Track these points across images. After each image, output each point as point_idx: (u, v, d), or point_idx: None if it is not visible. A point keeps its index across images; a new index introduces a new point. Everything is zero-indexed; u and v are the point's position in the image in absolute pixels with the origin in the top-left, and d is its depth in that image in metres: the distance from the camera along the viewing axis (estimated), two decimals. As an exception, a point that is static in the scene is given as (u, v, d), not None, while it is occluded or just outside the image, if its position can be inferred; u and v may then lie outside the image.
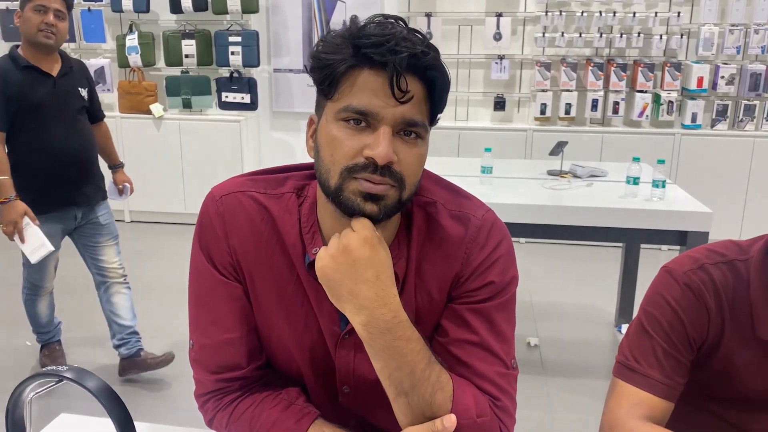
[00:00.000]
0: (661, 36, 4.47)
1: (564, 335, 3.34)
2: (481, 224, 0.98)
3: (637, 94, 4.56)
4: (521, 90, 4.80)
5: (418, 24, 4.67)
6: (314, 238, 0.97)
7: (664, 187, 2.68)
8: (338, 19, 4.79)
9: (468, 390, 0.91)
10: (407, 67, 0.84)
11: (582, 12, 4.50)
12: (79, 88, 2.73)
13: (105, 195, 2.89)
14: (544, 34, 4.56)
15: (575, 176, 3.07)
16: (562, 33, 4.54)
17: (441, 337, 0.97)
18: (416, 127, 0.88)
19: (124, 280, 2.88)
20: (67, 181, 2.68)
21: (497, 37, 4.61)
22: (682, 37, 4.49)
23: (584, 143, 4.50)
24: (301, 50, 4.92)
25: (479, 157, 3.15)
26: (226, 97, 4.87)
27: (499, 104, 4.76)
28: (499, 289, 0.97)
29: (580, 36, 4.52)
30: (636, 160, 2.82)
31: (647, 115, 4.58)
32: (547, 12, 4.54)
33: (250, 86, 4.84)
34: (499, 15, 4.59)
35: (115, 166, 3.09)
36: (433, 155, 4.16)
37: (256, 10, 4.69)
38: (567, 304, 3.74)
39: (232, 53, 4.76)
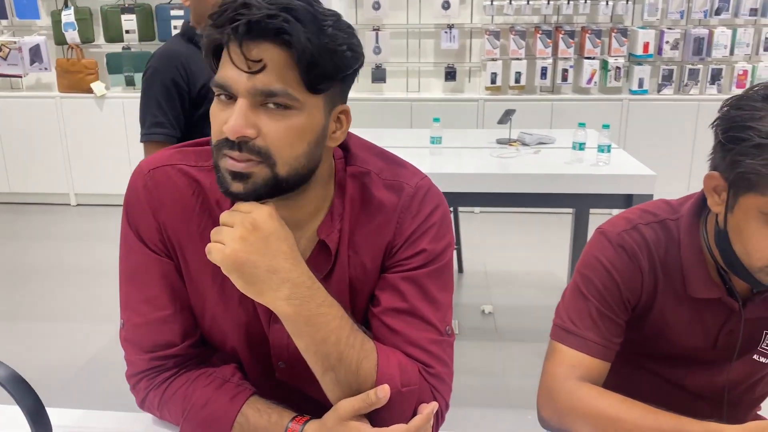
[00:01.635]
0: (607, 2, 4.49)
1: (518, 301, 3.39)
2: (414, 192, 0.97)
3: (585, 60, 4.59)
4: (471, 60, 4.78)
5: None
6: None
7: (609, 151, 2.71)
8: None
9: (393, 358, 0.90)
10: (256, 34, 0.80)
11: (529, -21, 4.49)
12: None
13: None
14: (492, 1, 4.53)
15: (523, 144, 3.08)
16: (510, 1, 4.52)
17: (375, 307, 0.96)
18: (276, 96, 0.82)
19: None
20: None
21: (445, 5, 4.57)
22: (627, 3, 4.52)
23: (535, 111, 4.53)
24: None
25: (431, 128, 3.13)
26: (171, 73, 4.72)
27: (450, 74, 4.73)
28: (433, 257, 0.96)
29: (528, 3, 4.51)
30: (581, 125, 2.84)
31: (596, 82, 4.63)
32: (494, -21, 4.51)
33: (195, 61, 4.70)
34: (446, -17, 4.54)
35: None
36: (386, 127, 4.14)
37: (197, -18, 4.54)
38: (520, 271, 3.79)
39: (176, 27, 4.60)
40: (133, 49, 4.75)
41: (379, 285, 0.97)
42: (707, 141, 0.98)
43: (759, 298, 1.05)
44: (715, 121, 0.95)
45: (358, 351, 0.88)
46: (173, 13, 4.59)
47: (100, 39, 4.81)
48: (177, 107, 2.06)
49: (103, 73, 4.80)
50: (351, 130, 0.97)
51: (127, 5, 4.66)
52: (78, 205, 5.03)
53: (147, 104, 2.08)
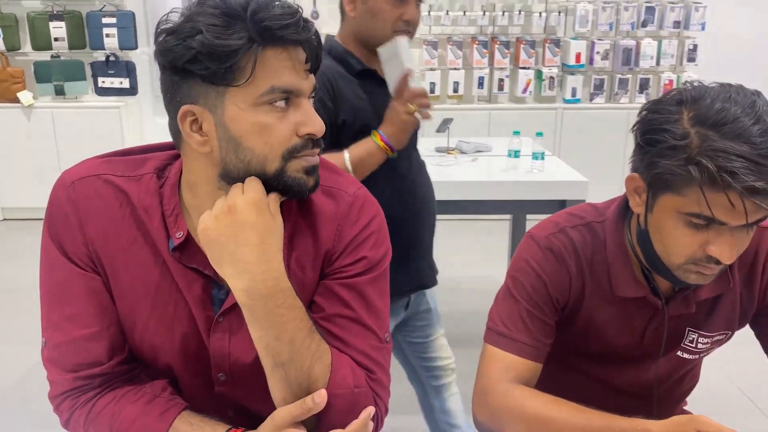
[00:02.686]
0: (540, 13, 4.63)
1: (461, 307, 3.43)
2: (353, 200, 0.98)
3: (521, 70, 4.71)
4: (411, 69, 4.83)
5: (303, 3, 4.58)
6: (177, 221, 0.93)
7: (543, 159, 2.78)
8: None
9: (346, 361, 0.92)
10: (301, 36, 0.85)
11: (465, -10, 4.58)
12: None
13: (436, 268, 1.99)
14: (429, 12, 4.60)
15: (462, 152, 3.13)
16: (447, 11, 4.60)
17: (315, 314, 0.96)
18: (315, 91, 0.91)
19: (453, 372, 2.12)
20: (420, 246, 1.85)
21: (384, 15, 4.60)
22: (560, 14, 4.67)
23: (473, 120, 4.61)
24: (182, 31, 4.71)
25: (368, 136, 3.14)
26: (103, 82, 4.58)
27: (390, 84, 4.77)
28: (372, 264, 0.97)
29: (465, 14, 4.59)
30: (516, 133, 2.90)
31: (530, 91, 4.75)
32: (431, -9, 4.58)
33: (128, 70, 4.58)
34: (384, -6, 4.57)
35: None
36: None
37: (130, -11, 4.43)
38: (462, 277, 3.83)
39: (107, 35, 4.48)
40: (62, 58, 4.59)
41: (320, 291, 0.97)
42: (638, 147, 1.01)
43: (680, 296, 1.09)
44: (634, 125, 0.98)
45: (313, 352, 0.88)
46: (105, 20, 4.46)
47: (27, 47, 4.62)
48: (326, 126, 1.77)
49: (30, 81, 4.62)
50: None
51: (55, 12, 4.50)
52: (5, 219, 4.81)
53: None
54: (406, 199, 1.77)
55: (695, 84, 0.95)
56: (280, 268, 0.87)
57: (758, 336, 1.15)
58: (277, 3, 0.84)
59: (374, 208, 1.00)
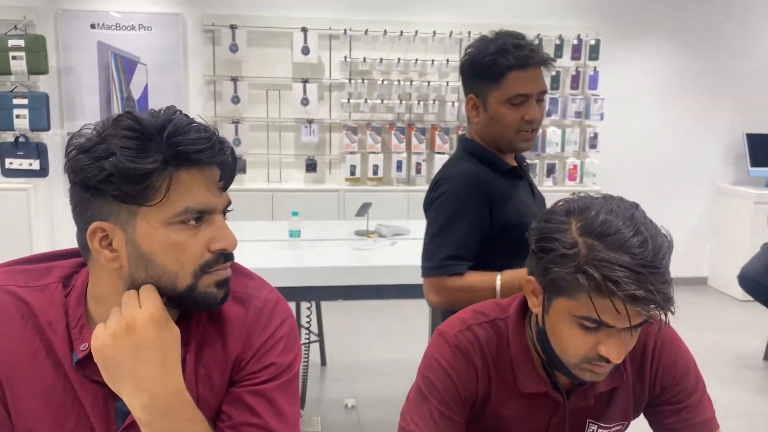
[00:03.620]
0: (453, 102, 4.89)
1: (382, 393, 3.39)
2: (263, 305, 0.98)
3: (436, 155, 4.91)
4: (331, 152, 4.95)
5: (224, 88, 4.65)
6: (83, 333, 0.90)
7: (458, 243, 2.87)
8: (139, 80, 4.62)
9: None
10: (217, 159, 0.88)
11: (383, 80, 4.79)
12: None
13: None
14: (349, 100, 4.77)
15: (380, 236, 3.19)
16: (366, 99, 4.79)
17: (222, 423, 0.94)
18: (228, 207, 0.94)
19: None
20: None
21: (305, 102, 4.73)
22: (471, 104, 4.94)
23: (392, 202, 4.72)
24: (98, 113, 4.64)
25: (289, 221, 3.16)
26: (11, 163, 4.42)
27: (311, 166, 4.85)
28: (281, 370, 0.96)
29: (383, 102, 4.79)
30: (432, 219, 3.00)
31: (447, 174, 4.93)
32: (350, 80, 4.77)
33: (39, 151, 4.44)
34: (305, 81, 4.73)
35: None
36: (247, 219, 4.05)
37: (45, 72, 4.36)
38: (384, 361, 3.81)
39: (18, 116, 4.35)
40: (-32, 138, 4.41)
41: (227, 400, 0.95)
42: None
43: (580, 390, 1.15)
44: (529, 232, 1.06)
45: None
46: (16, 101, 4.35)
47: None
48: (478, 240, 1.61)
49: (-69, 162, 4.39)
50: None
51: (-37, 92, 4.35)
52: None
53: (443, 234, 1.61)
54: None
55: (581, 195, 1.04)
56: (180, 382, 0.86)
57: (651, 425, 1.22)
58: (193, 125, 0.86)
59: (284, 312, 1.00)
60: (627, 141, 5.23)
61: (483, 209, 1.59)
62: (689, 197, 5.41)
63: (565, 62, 4.99)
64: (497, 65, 1.57)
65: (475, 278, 1.57)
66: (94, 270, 0.91)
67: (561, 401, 1.14)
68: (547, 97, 4.92)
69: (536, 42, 4.86)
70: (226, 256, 0.90)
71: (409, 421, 1.12)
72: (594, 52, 4.99)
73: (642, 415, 1.22)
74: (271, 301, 0.99)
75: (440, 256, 1.59)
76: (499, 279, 1.55)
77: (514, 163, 1.73)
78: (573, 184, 5.09)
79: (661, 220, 1.02)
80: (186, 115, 0.88)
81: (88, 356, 0.89)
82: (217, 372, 0.95)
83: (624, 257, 0.92)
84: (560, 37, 4.94)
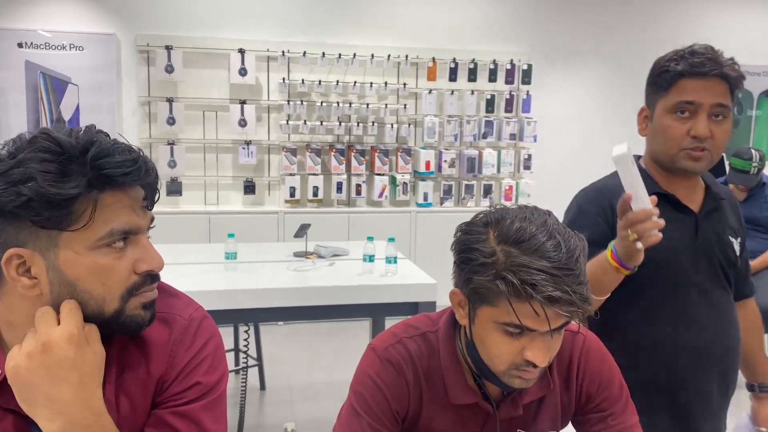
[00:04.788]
0: (392, 125, 4.95)
1: (323, 415, 3.35)
2: (187, 324, 0.96)
3: (376, 176, 4.95)
4: (270, 174, 4.91)
5: (160, 109, 4.57)
6: None
7: (395, 262, 2.90)
8: (70, 101, 4.49)
9: None
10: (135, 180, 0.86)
11: (322, 102, 4.81)
12: (730, 236, 1.56)
13: None
14: (288, 121, 4.76)
15: (319, 256, 3.18)
16: (305, 121, 4.79)
17: None
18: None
19: None
20: (703, 401, 1.51)
21: (242, 123, 4.70)
22: (409, 126, 5.03)
23: (333, 223, 4.72)
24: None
25: (225, 243, 3.11)
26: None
27: (249, 188, 4.80)
28: (207, 389, 0.94)
29: (322, 124, 4.81)
30: (370, 239, 3.01)
31: (386, 196, 4.99)
32: (289, 101, 4.77)
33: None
34: (243, 102, 4.70)
35: (761, 386, 1.66)
36: (183, 241, 3.96)
37: (-32, 90, 4.19)
38: (324, 383, 3.78)
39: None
40: None
41: (150, 422, 0.92)
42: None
43: (509, 399, 1.17)
44: (452, 245, 1.08)
45: None
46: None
47: None
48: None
49: None
50: None
51: None
52: None
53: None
54: (697, 341, 1.48)
55: (498, 207, 1.08)
56: (100, 404, 0.83)
57: (579, 434, 1.25)
58: (116, 147, 0.83)
59: (210, 331, 0.98)
60: (559, 161, 5.41)
61: (602, 222, 1.47)
62: (619, 216, 5.62)
63: (500, 86, 5.15)
64: (669, 71, 1.44)
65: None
66: (8, 297, 0.87)
67: (491, 412, 1.15)
68: (482, 119, 5.07)
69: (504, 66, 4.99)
70: (152, 277, 0.89)
71: (341, 437, 1.11)
72: (527, 77, 5.17)
73: (570, 424, 1.26)
74: (195, 320, 0.97)
75: None
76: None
77: (693, 189, 1.52)
78: (509, 204, 5.21)
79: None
80: (107, 135, 0.86)
81: (4, 383, 0.85)
82: (138, 394, 0.92)
83: (540, 261, 0.95)
84: (494, 62, 5.09)
